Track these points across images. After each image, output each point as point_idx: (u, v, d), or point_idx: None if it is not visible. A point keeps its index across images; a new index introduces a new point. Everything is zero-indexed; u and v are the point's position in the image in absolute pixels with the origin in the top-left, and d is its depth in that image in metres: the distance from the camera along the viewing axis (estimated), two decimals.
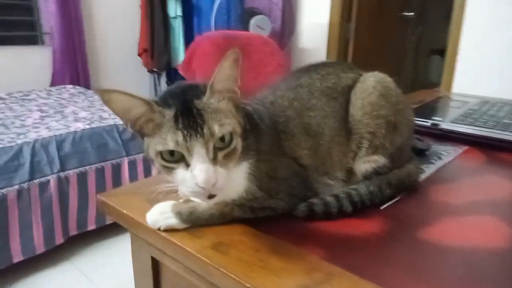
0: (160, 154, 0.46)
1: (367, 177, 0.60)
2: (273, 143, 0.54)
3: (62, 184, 1.87)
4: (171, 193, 0.54)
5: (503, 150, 0.83)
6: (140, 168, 2.18)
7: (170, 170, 0.47)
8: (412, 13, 3.40)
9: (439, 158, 0.79)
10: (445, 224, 0.55)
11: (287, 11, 2.90)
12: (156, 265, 0.59)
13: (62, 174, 1.86)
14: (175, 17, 3.22)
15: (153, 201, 0.57)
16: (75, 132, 1.98)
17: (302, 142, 0.56)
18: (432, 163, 0.76)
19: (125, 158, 2.11)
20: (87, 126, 2.05)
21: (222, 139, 0.46)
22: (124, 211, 0.55)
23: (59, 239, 1.87)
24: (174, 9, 3.20)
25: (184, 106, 0.46)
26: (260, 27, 2.73)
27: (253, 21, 2.82)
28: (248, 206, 0.52)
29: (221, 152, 0.46)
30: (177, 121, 0.45)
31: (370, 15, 3.04)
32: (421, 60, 3.99)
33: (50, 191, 1.81)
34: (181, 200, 0.53)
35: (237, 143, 0.47)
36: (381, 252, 0.49)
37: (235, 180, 0.51)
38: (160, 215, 0.51)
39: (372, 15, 3.06)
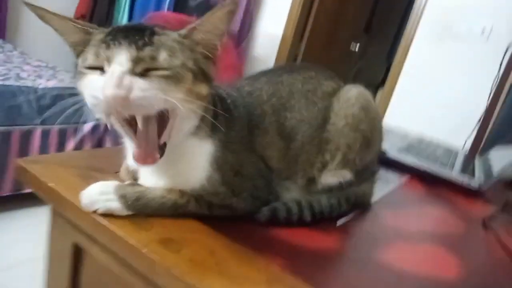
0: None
1: (329, 189, 0.57)
2: (244, 135, 0.48)
3: None
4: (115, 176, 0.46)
5: (438, 184, 0.88)
6: (53, 140, 1.94)
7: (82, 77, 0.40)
8: (357, 48, 3.60)
9: (386, 183, 0.80)
10: (398, 249, 0.54)
11: (248, 13, 2.85)
12: (78, 253, 0.49)
13: None
14: None
15: (86, 177, 0.48)
16: None
17: (274, 143, 0.51)
18: (380, 187, 0.76)
19: (39, 126, 1.86)
20: (0, 83, 1.77)
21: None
22: (50, 184, 0.44)
23: None
24: None
25: (136, 28, 0.41)
26: None
27: None
28: (206, 201, 0.45)
29: (156, 71, 0.39)
30: (110, 34, 0.40)
31: (320, 41, 3.15)
32: None
33: None
34: (126, 182, 0.45)
35: (183, 74, 0.40)
36: (339, 270, 0.46)
37: (197, 160, 0.45)
38: (100, 195, 0.42)
39: (322, 42, 3.17)
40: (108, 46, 0.39)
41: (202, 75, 0.43)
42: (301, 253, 0.46)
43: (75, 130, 2.02)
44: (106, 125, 1.91)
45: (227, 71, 1.88)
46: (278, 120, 0.52)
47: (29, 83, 1.90)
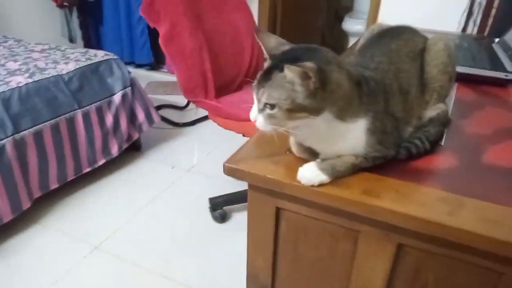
0: None
1: (430, 120, 0.76)
2: (382, 104, 0.65)
3: (19, 147, 1.70)
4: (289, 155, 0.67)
5: (482, 83, 1.06)
6: (94, 119, 2.06)
7: None
8: None
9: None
10: (487, 149, 0.74)
11: None
12: (278, 213, 0.69)
13: (17, 136, 1.69)
14: None
15: (276, 162, 0.66)
16: (19, 87, 1.76)
17: (398, 100, 0.68)
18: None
19: (78, 110, 1.96)
20: (30, 80, 1.82)
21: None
22: (268, 175, 0.63)
23: (26, 204, 1.76)
24: None
25: (275, 66, 0.58)
26: None
27: None
28: (371, 157, 0.64)
29: (267, 109, 0.58)
30: (261, 73, 0.59)
31: None
32: None
33: (8, 157, 1.65)
34: (318, 160, 0.63)
35: (277, 112, 0.57)
36: (460, 176, 0.66)
37: (356, 135, 0.62)
38: (311, 173, 0.61)
39: None
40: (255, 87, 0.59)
41: (298, 108, 0.56)
42: (436, 173, 0.67)
43: (109, 104, 2.12)
44: (133, 91, 2.10)
45: (237, 10, 1.94)
46: (398, 82, 0.69)
47: (53, 72, 1.95)
